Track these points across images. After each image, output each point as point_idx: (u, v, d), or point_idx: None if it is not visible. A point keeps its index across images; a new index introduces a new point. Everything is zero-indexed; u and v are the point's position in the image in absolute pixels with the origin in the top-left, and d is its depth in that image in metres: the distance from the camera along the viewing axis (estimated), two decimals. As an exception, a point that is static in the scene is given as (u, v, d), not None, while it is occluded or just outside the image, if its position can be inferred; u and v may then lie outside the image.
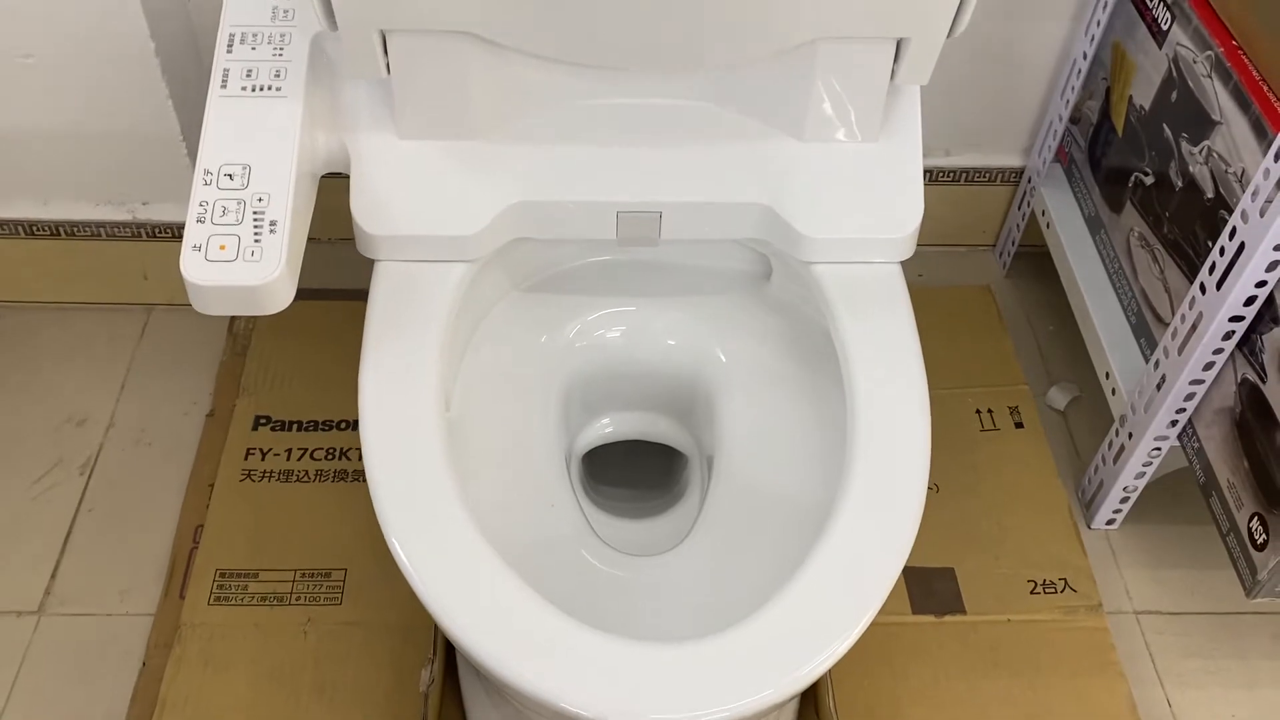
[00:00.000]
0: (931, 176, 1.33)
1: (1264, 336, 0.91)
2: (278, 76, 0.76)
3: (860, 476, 0.69)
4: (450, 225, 0.78)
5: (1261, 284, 0.89)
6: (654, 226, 0.80)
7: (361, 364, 0.75)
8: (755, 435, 0.83)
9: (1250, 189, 0.88)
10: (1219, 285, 0.91)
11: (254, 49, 0.77)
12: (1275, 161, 0.85)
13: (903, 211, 0.80)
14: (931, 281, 1.33)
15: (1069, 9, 1.18)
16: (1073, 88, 1.21)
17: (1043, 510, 1.10)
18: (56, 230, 1.22)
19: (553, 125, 0.80)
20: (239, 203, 0.71)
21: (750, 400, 0.85)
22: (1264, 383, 0.91)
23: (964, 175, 1.34)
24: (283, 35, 0.77)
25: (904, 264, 1.21)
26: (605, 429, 0.92)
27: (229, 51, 0.77)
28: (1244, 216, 0.88)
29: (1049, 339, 1.32)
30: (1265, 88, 0.89)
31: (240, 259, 0.70)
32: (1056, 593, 1.05)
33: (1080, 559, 1.07)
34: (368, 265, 0.81)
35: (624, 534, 0.83)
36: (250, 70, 0.76)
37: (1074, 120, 1.24)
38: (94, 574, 1.08)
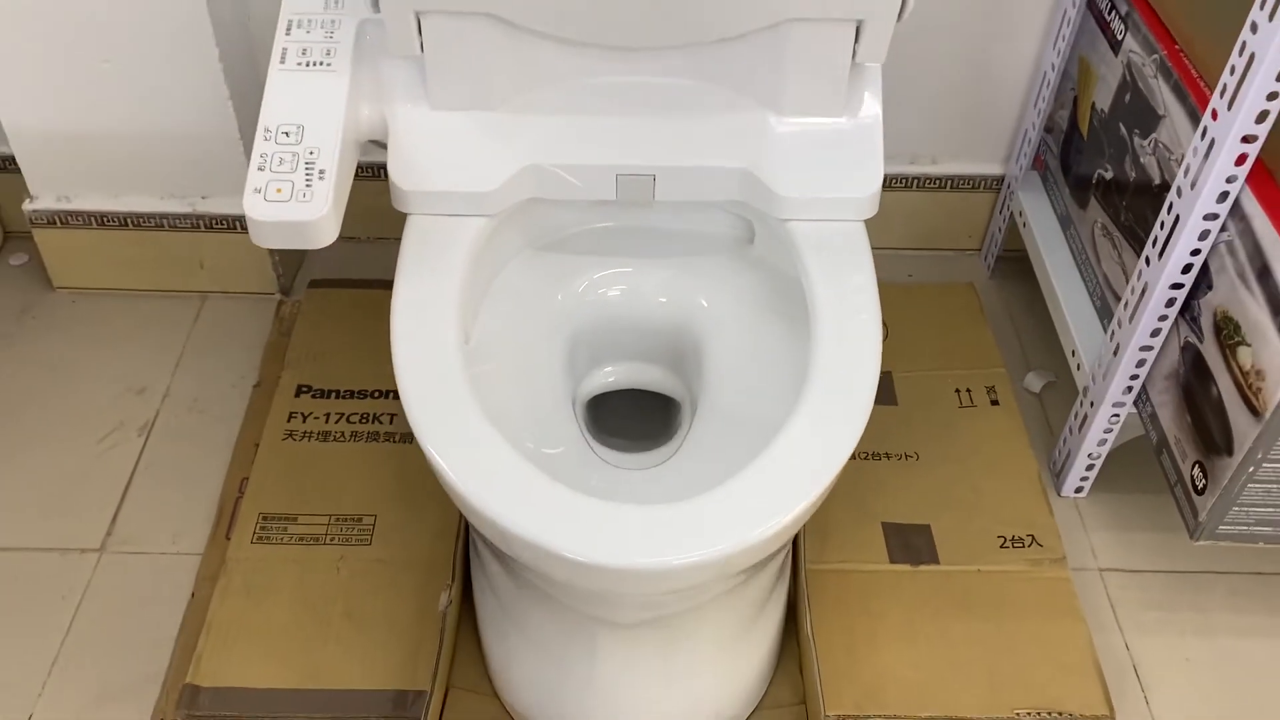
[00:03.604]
0: (919, 183, 1.44)
1: (1200, 301, 1.01)
2: (329, 55, 0.89)
3: (822, 361, 0.81)
4: (471, 183, 0.90)
5: (1196, 251, 0.99)
6: (649, 189, 0.92)
7: (393, 299, 0.87)
8: (736, 371, 0.94)
9: (1183, 166, 0.98)
10: (1160, 255, 1.02)
11: (309, 32, 0.90)
12: (1201, 140, 0.95)
13: (866, 175, 0.92)
14: (920, 282, 1.43)
15: (1039, 28, 1.30)
16: (1044, 99, 1.32)
17: (1015, 476, 1.18)
18: (124, 221, 1.34)
19: (561, 99, 0.93)
20: (293, 154, 0.84)
21: (731, 344, 0.96)
22: (1201, 343, 1.01)
23: (950, 182, 1.44)
24: (334, 21, 0.91)
25: (894, 265, 1.39)
26: (608, 377, 1.03)
27: (287, 34, 0.90)
28: (1179, 191, 0.99)
29: (1029, 334, 1.41)
30: (1200, 82, 1.00)
31: (294, 200, 0.82)
32: (1024, 547, 1.12)
33: (1047, 518, 1.14)
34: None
35: (618, 456, 0.94)
36: (305, 49, 0.89)
37: (1048, 129, 1.35)
38: (149, 519, 1.18)
